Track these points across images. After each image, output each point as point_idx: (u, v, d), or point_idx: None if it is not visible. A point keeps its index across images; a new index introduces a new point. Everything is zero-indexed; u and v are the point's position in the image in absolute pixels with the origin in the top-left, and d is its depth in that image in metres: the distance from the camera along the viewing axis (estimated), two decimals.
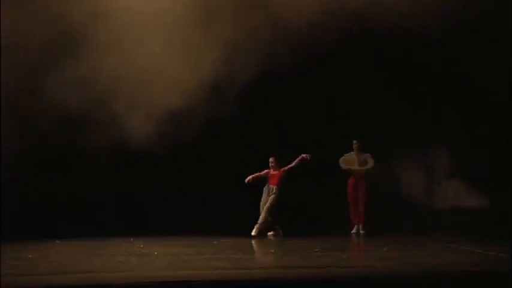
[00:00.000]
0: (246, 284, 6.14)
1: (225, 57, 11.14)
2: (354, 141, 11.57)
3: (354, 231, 11.33)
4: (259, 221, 10.96)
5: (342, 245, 9.45)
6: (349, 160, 11.54)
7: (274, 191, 11.10)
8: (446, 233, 10.47)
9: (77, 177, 11.76)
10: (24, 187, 11.42)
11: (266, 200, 11.09)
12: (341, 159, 11.54)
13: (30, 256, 7.98)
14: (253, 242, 10.17)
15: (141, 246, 9.25)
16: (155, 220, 11.00)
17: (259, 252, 8.71)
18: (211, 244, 9.54)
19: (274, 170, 11.27)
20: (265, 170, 11.30)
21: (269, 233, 11.06)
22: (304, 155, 11.01)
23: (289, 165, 11.17)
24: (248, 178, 11.04)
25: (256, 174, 11.18)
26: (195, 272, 6.68)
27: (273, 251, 8.72)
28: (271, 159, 11.25)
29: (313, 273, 6.70)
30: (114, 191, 11.82)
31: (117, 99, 11.11)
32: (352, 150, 11.58)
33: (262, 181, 11.20)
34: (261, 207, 11.08)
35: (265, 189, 11.20)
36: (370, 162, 11.40)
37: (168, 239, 10.30)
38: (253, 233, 10.83)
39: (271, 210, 11.00)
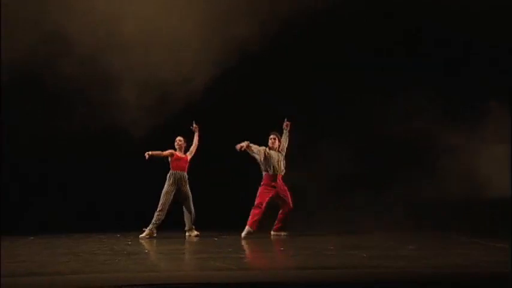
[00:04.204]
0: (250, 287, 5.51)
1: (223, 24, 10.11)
2: (272, 136, 9.96)
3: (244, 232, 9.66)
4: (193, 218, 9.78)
5: (358, 243, 8.60)
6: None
7: (187, 179, 9.77)
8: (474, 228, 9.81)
9: (53, 162, 10.97)
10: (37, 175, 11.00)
11: (185, 194, 9.72)
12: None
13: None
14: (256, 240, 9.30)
15: (129, 243, 8.68)
16: (145, 213, 9.95)
17: (266, 251, 7.94)
18: (210, 241, 8.96)
19: (181, 152, 9.86)
20: (169, 150, 9.79)
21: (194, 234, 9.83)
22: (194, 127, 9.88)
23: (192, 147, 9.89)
24: (147, 154, 9.46)
25: (156, 152, 9.60)
26: (192, 273, 6.15)
27: (282, 249, 7.94)
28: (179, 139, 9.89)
29: (330, 275, 5.97)
30: (97, 178, 11.06)
31: (98, 69, 10.21)
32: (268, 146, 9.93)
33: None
34: (164, 199, 9.61)
35: (172, 177, 9.71)
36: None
37: (160, 235, 9.65)
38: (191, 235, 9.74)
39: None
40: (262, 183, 9.67)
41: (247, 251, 7.71)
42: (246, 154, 9.74)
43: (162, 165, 9.80)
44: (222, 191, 10.70)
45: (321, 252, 7.32)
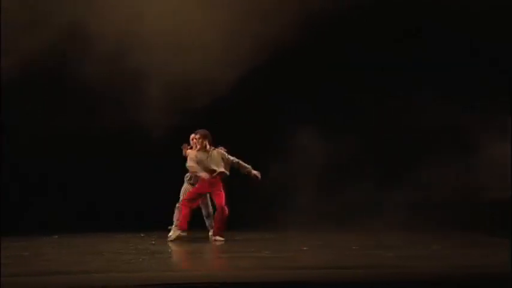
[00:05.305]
0: (274, 286, 5.45)
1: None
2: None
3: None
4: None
5: (380, 242, 8.52)
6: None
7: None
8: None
9: (53, 162, 10.81)
10: (18, 174, 10.79)
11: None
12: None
13: (26, 254, 7.37)
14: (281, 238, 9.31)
15: (153, 242, 8.69)
16: (169, 212, 9.93)
17: (290, 250, 7.82)
18: (233, 240, 8.89)
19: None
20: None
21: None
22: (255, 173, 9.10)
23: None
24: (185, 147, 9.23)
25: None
26: (217, 273, 6.19)
27: (305, 248, 7.82)
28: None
29: (355, 274, 5.88)
30: (97, 178, 10.91)
31: (124, 66, 10.01)
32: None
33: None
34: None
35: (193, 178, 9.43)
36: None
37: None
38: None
39: None
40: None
41: (270, 251, 7.62)
42: (266, 152, 9.74)
43: (162, 165, 9.82)
44: (242, 190, 10.56)
45: (345, 252, 7.29)
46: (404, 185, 10.38)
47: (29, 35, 9.71)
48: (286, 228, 9.87)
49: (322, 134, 10.54)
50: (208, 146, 9.01)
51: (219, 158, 8.96)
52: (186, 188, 9.52)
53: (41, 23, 9.69)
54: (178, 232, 8.87)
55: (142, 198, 10.80)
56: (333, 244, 8.22)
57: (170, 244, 8.51)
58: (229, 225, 9.06)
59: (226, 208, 8.76)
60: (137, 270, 6.25)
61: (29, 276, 5.76)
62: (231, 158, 9.02)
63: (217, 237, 8.77)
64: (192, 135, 9.57)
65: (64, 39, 9.87)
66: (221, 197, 8.82)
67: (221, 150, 9.09)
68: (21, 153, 10.47)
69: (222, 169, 8.91)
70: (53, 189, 11.01)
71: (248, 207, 10.23)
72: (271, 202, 10.38)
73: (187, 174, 9.57)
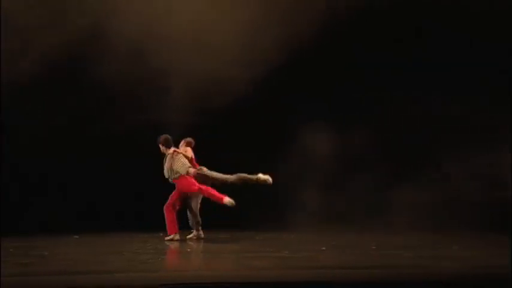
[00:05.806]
0: (296, 286, 5.46)
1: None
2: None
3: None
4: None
5: (400, 242, 8.55)
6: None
7: None
8: None
9: (53, 162, 10.74)
10: (37, 175, 10.74)
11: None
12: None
13: (45, 253, 7.35)
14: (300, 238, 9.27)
15: (172, 242, 8.69)
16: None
17: (309, 250, 7.82)
18: (252, 240, 8.92)
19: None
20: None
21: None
22: None
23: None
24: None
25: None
26: (237, 273, 6.12)
27: (324, 248, 7.85)
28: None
29: (373, 274, 5.92)
30: (97, 178, 10.84)
31: (144, 64, 10.07)
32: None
33: None
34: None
35: None
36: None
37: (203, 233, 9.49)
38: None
39: None
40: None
41: (289, 250, 7.64)
42: (282, 152, 9.64)
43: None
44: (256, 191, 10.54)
45: (365, 252, 7.32)
46: (414, 185, 10.44)
47: (30, 35, 9.71)
48: (303, 228, 9.87)
49: (337, 133, 10.57)
50: (166, 150, 9.03)
51: (168, 162, 8.97)
52: None
53: (42, 23, 9.66)
54: (171, 236, 8.82)
55: (143, 198, 10.76)
56: (352, 244, 8.25)
57: (188, 244, 8.51)
58: (246, 226, 9.08)
59: (206, 189, 8.73)
60: (155, 269, 6.26)
61: (50, 275, 5.78)
62: (184, 157, 8.98)
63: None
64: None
65: (65, 39, 9.82)
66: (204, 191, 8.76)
67: (171, 150, 9.02)
68: (21, 153, 10.38)
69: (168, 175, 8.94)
70: (53, 189, 10.92)
71: (265, 207, 10.26)
72: (288, 202, 10.36)
73: None
